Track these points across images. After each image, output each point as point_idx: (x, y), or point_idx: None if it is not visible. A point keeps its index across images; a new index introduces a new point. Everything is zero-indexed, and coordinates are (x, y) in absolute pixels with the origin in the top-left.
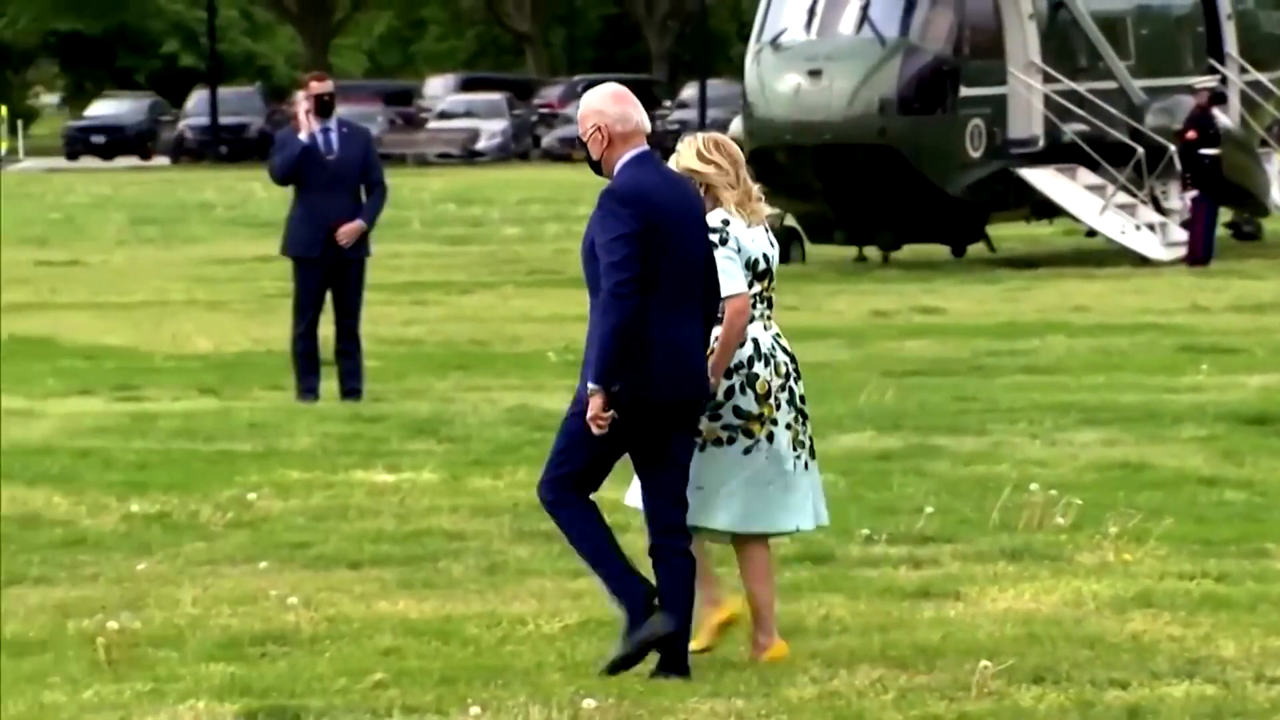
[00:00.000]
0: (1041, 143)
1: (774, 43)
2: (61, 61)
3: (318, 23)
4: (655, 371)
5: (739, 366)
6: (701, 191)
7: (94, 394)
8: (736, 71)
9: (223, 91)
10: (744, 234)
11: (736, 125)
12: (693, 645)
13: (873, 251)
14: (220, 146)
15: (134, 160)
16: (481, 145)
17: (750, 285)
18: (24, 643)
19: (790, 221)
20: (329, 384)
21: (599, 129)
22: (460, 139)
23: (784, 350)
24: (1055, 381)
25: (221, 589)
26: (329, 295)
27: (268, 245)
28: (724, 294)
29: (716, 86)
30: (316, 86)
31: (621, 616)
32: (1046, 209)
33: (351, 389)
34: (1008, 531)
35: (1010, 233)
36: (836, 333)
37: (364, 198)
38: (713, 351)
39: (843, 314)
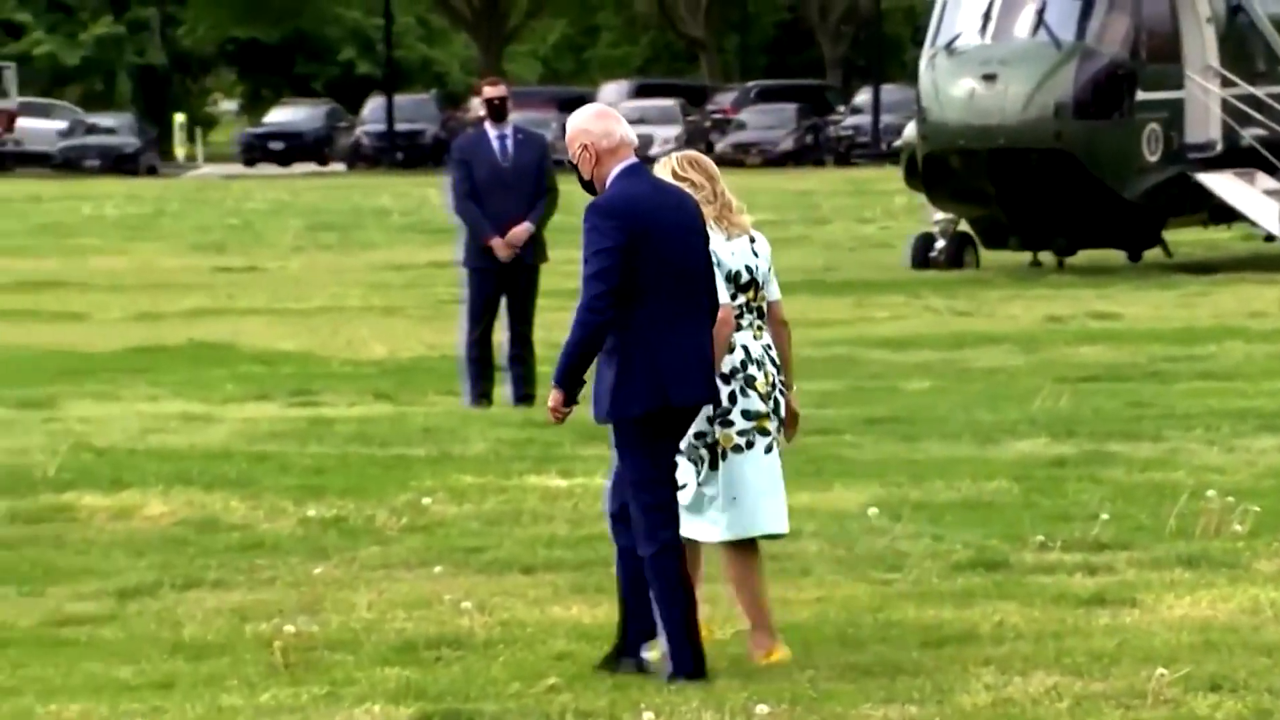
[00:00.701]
0: (1219, 147)
1: (948, 47)
2: (240, 69)
3: (492, 29)
4: (668, 378)
5: (734, 372)
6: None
7: (271, 399)
8: (910, 76)
9: (399, 98)
10: (723, 248)
11: (910, 130)
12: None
13: (1047, 257)
14: (396, 153)
15: (311, 166)
16: (654, 151)
17: (734, 297)
18: (202, 646)
19: (964, 227)
20: (502, 389)
21: (586, 148)
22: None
23: (772, 362)
24: (1232, 387)
25: (396, 593)
26: (503, 301)
27: (442, 251)
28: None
29: (890, 91)
30: (489, 91)
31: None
32: (1224, 214)
33: (524, 394)
34: (1184, 539)
35: (1188, 238)
36: (1011, 338)
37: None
38: None
39: (1017, 319)
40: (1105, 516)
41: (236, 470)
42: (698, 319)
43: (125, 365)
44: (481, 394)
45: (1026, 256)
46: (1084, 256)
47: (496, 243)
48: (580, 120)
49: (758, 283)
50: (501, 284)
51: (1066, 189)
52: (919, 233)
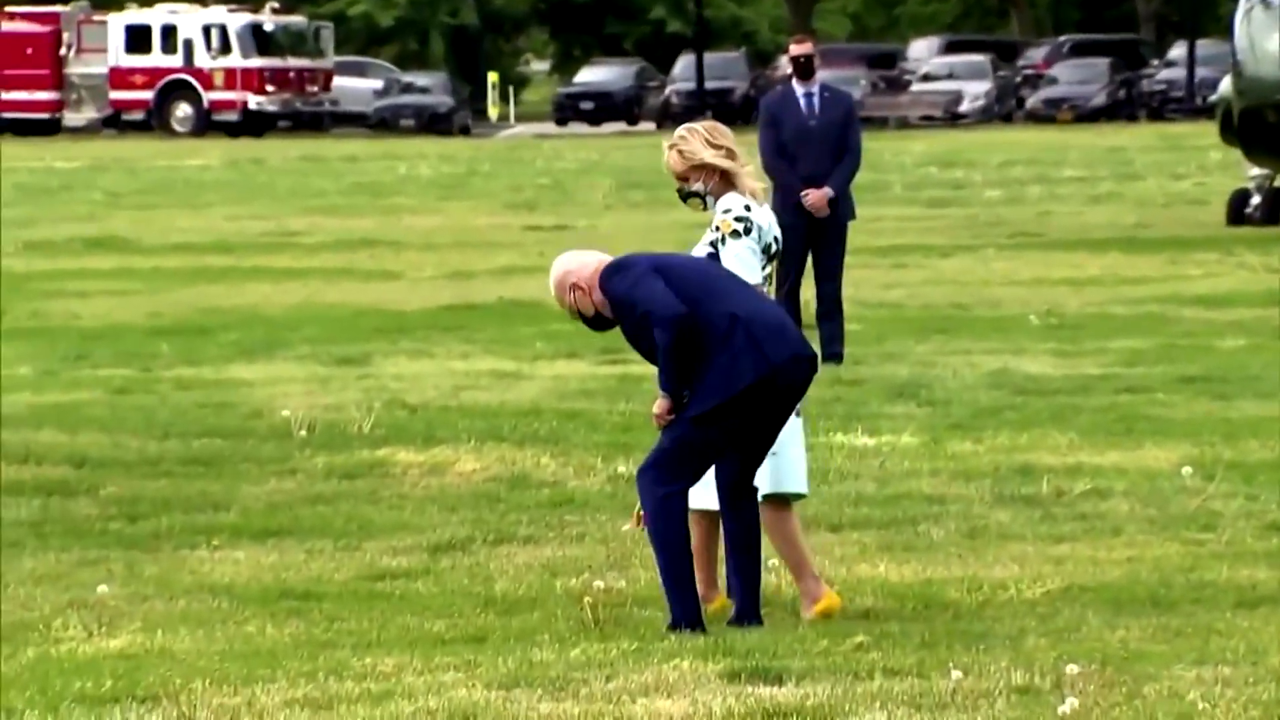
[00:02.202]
0: None
1: (1265, 1)
2: (551, 29)
3: None
4: (764, 342)
5: None
6: (713, 179)
7: (580, 357)
8: (1225, 30)
9: (709, 57)
10: (762, 219)
11: (1226, 85)
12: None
13: None
14: (706, 111)
15: (621, 126)
16: (964, 108)
17: (764, 268)
18: (513, 601)
19: None
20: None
21: (577, 287)
22: (943, 101)
23: None
24: None
25: None
26: (810, 258)
27: None
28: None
29: (1205, 46)
30: (796, 49)
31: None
32: None
33: (832, 352)
34: None
35: None
36: None
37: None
38: None
39: None
40: None
41: (546, 427)
42: (752, 292)
43: (437, 323)
44: None
45: None
46: None
47: (810, 195)
48: (559, 270)
49: (780, 252)
50: (809, 241)
51: None
52: (1235, 189)
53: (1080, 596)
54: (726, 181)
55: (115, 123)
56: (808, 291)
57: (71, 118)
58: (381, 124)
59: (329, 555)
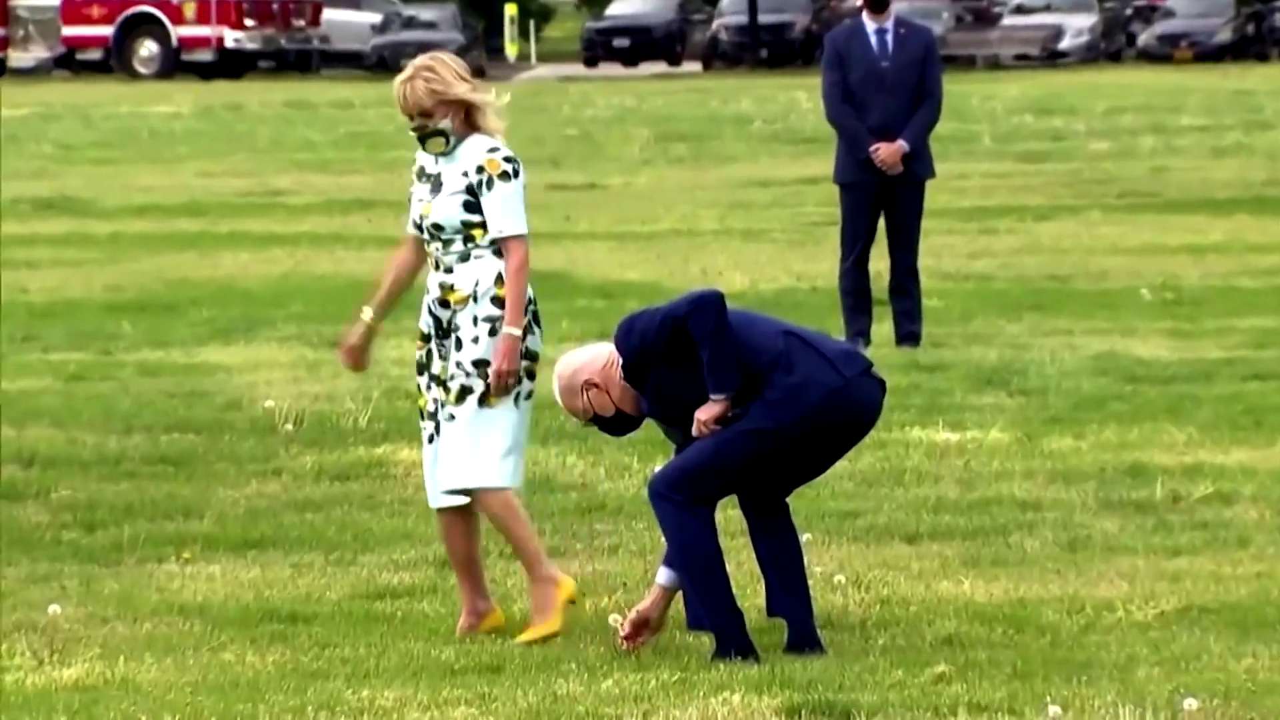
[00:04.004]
0: None
1: None
2: None
3: None
4: (831, 357)
5: (529, 302)
6: (459, 118)
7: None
8: None
9: None
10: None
11: None
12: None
13: None
14: (760, 49)
15: (661, 66)
16: (1065, 44)
17: None
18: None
19: None
20: (882, 327)
21: (591, 384)
22: (1040, 37)
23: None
24: None
25: (758, 565)
26: (881, 223)
27: (813, 165)
28: (514, 231)
29: None
30: None
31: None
32: None
33: (908, 332)
34: None
35: None
36: None
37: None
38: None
39: None
40: None
41: (574, 421)
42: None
43: None
44: (858, 332)
45: None
46: None
47: (881, 150)
48: (564, 373)
49: None
50: (881, 203)
51: None
52: None
53: (1200, 619)
54: (469, 122)
55: (68, 63)
56: (879, 262)
57: (17, 57)
58: (380, 64)
59: (319, 570)
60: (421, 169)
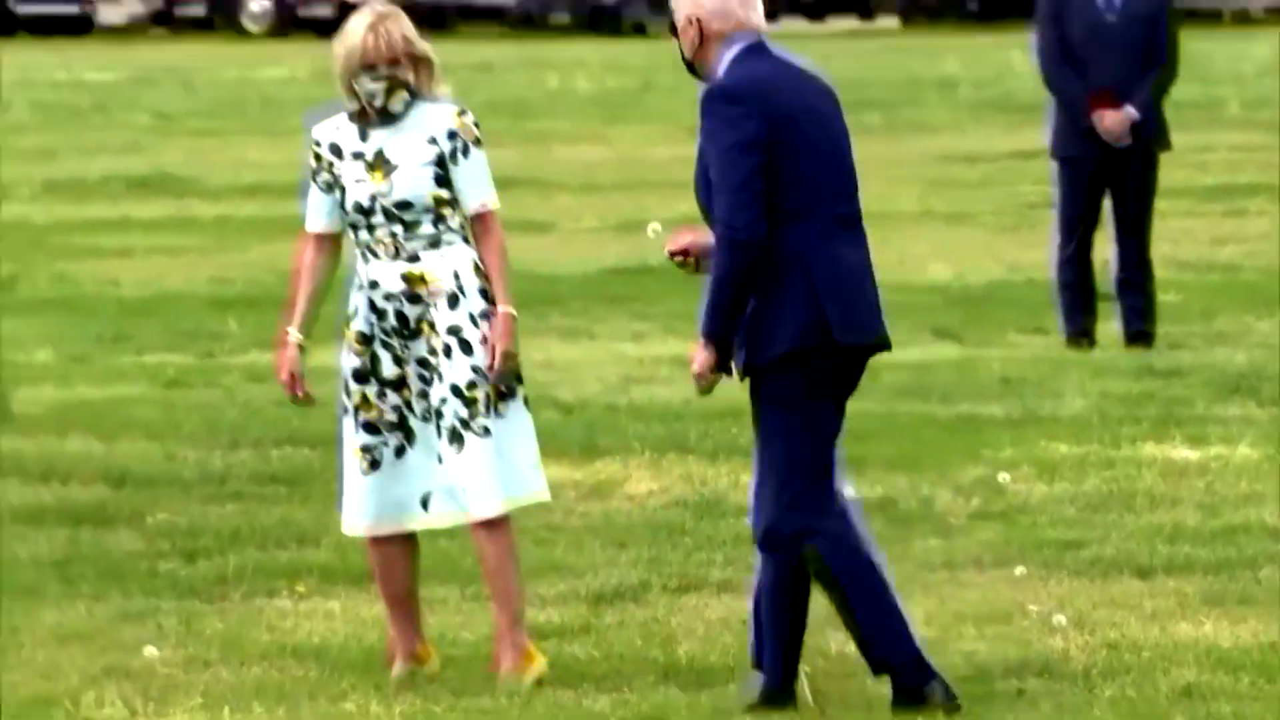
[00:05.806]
0: None
1: None
2: None
3: None
4: (831, 308)
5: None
6: (411, 74)
7: None
8: None
9: None
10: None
11: None
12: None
13: None
14: (968, 2)
15: (852, 22)
16: None
17: None
18: (703, 669)
19: None
20: (1108, 325)
21: (691, 21)
22: None
23: None
24: None
25: (964, 601)
26: (1107, 205)
27: (1029, 136)
28: (495, 204)
29: None
30: None
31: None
32: None
33: (1139, 332)
34: None
35: None
36: None
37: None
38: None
39: None
40: None
41: (747, 435)
42: (856, 235)
43: (600, 292)
44: (1080, 331)
45: None
46: None
47: (1107, 118)
48: None
49: None
50: (1105, 181)
51: None
52: None
53: None
54: (425, 82)
55: (167, 19)
56: (1104, 250)
57: (108, 12)
58: (525, 20)
59: (454, 606)
60: (336, 146)
